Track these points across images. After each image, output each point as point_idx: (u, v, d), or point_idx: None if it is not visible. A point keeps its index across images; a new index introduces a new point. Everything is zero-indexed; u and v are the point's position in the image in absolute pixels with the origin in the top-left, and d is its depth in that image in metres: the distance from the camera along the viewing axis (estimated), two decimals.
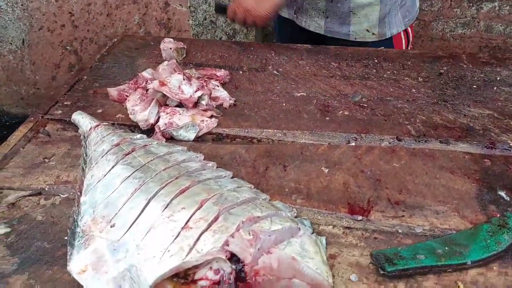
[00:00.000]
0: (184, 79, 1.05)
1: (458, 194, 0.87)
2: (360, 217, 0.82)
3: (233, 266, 0.67)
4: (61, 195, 0.87)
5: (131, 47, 1.42)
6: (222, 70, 1.23)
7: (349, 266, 0.74)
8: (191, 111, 1.05)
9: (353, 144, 1.01)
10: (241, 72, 1.30)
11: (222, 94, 1.13)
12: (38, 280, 0.71)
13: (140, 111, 1.02)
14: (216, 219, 0.71)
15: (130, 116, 1.05)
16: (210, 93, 1.09)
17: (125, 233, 0.72)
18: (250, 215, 0.72)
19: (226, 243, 0.67)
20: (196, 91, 1.05)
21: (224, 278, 0.67)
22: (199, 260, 0.66)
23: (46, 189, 0.88)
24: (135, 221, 0.73)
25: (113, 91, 1.14)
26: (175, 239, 0.69)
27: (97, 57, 1.36)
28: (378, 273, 0.72)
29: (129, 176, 0.81)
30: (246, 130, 1.05)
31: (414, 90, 1.21)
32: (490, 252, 0.74)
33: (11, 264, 0.73)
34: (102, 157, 0.88)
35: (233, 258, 0.68)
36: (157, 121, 1.03)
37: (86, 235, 0.74)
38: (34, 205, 0.84)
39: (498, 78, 1.27)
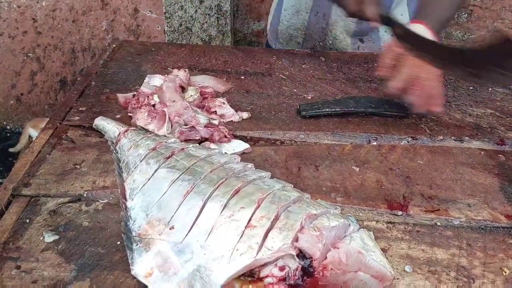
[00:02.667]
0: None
1: (483, 187, 0.93)
2: (400, 212, 0.86)
3: (301, 262, 0.69)
4: (101, 201, 0.85)
5: (132, 52, 1.40)
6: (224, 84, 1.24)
7: (401, 258, 0.77)
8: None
9: (375, 143, 1.05)
10: (248, 76, 1.32)
11: (228, 111, 1.12)
12: (102, 286, 0.69)
13: (157, 130, 1.00)
14: (277, 217, 0.73)
15: None
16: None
17: (187, 234, 0.72)
18: (308, 212, 0.74)
19: (296, 239, 0.69)
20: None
21: (290, 274, 0.69)
22: (271, 257, 0.68)
23: (85, 195, 0.86)
24: (195, 222, 0.74)
25: (121, 98, 1.13)
26: (240, 238, 0.70)
27: (100, 62, 1.34)
28: (430, 264, 0.76)
29: (177, 178, 0.81)
30: (269, 133, 1.07)
31: None
32: None
33: (69, 271, 0.71)
34: (141, 161, 0.87)
35: (300, 254, 0.70)
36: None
37: (144, 238, 0.74)
38: (76, 212, 0.82)
39: None
